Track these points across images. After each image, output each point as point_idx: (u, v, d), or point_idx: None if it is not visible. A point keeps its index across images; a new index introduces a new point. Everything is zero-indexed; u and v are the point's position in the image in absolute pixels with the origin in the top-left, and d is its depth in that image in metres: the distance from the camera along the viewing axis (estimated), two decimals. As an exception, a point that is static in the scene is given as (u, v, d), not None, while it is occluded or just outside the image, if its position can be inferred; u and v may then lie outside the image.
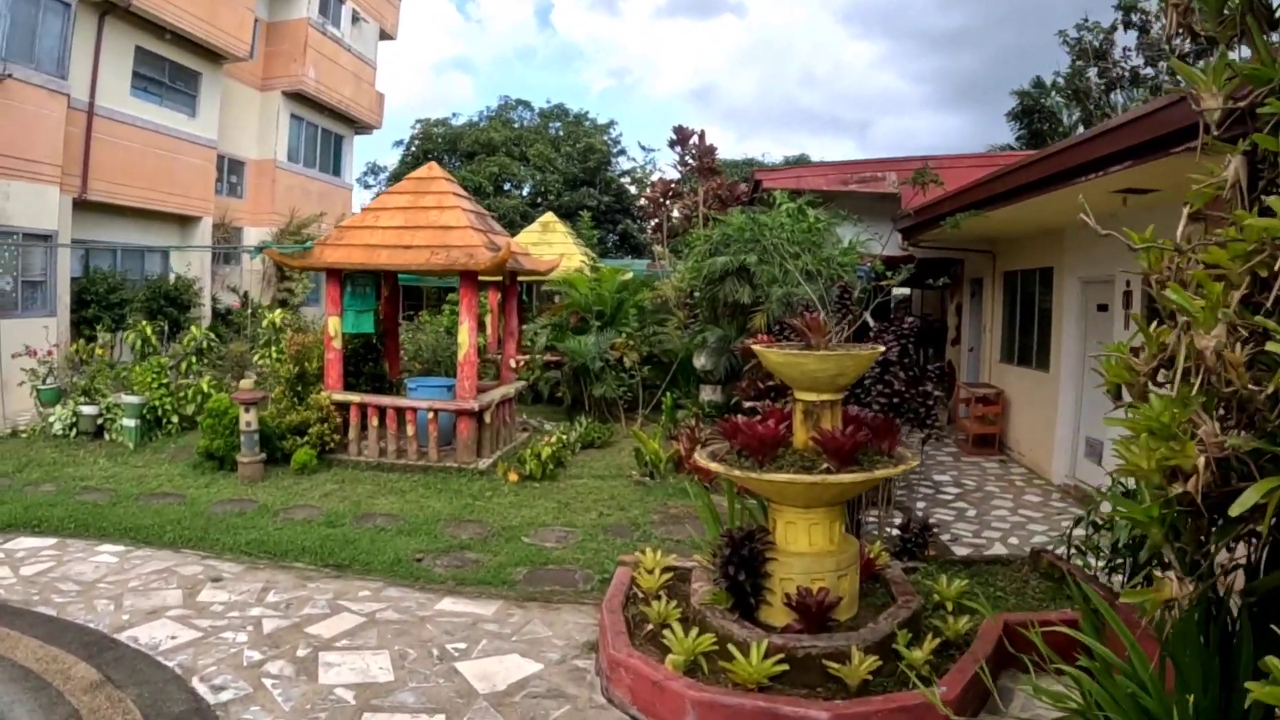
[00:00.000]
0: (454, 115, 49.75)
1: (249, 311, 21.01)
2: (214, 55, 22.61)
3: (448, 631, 6.71)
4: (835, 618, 5.78)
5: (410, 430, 12.08)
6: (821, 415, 5.90)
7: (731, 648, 5.43)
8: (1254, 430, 3.14)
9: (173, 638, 6.50)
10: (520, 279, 15.72)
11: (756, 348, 6.16)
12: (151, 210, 21.09)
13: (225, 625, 6.74)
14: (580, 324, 17.12)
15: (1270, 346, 2.86)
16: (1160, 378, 3.50)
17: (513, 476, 11.52)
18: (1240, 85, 3.39)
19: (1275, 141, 3.14)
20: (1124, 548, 6.18)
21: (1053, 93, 34.38)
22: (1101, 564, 6.63)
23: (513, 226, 27.31)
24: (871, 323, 11.65)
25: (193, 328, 15.62)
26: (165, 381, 13.70)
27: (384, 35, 32.94)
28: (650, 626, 6.08)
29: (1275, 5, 3.50)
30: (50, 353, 14.13)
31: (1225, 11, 3.51)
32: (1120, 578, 6.44)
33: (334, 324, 12.40)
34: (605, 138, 46.63)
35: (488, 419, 12.35)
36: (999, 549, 9.30)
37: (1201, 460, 3.00)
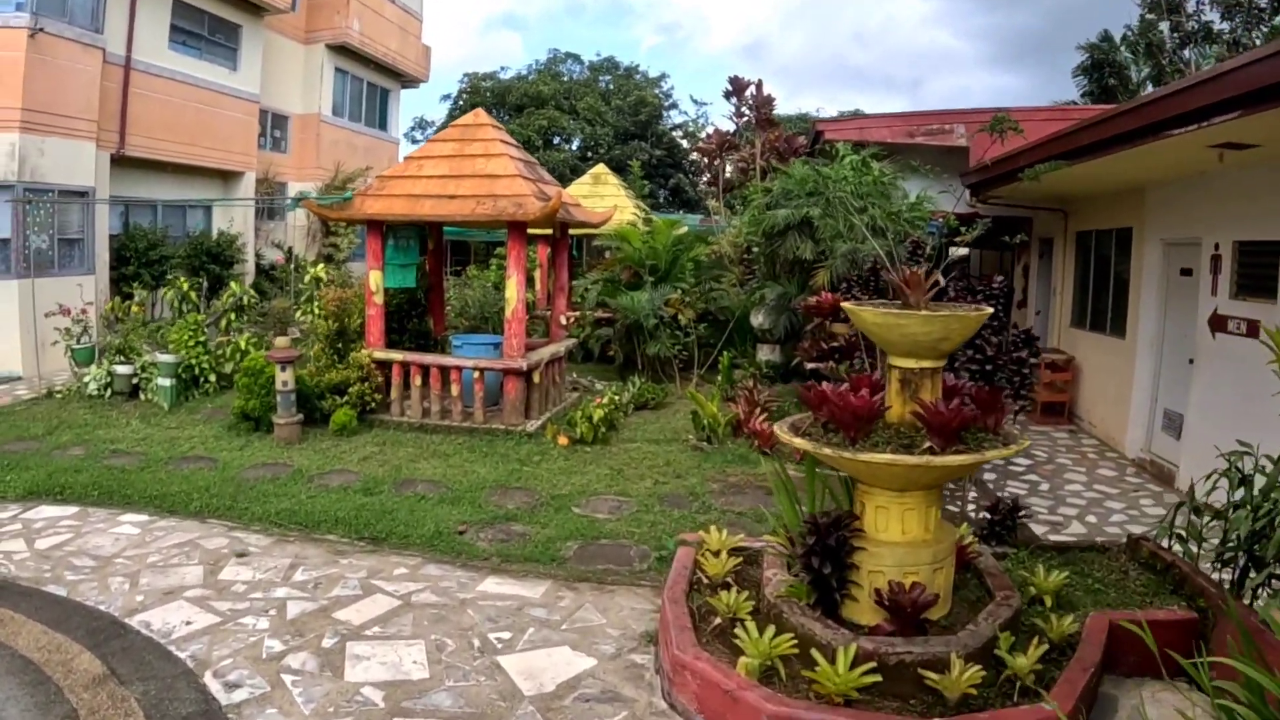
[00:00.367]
0: (502, 69, 48.92)
1: (292, 267, 20.46)
2: (254, 7, 21.88)
3: (491, 618, 6.00)
4: (929, 617, 4.99)
5: (455, 390, 11.40)
6: (921, 385, 5.08)
7: (814, 653, 4.66)
8: None
9: (188, 623, 5.86)
10: (571, 232, 14.94)
11: (848, 306, 5.32)
12: (193, 166, 20.53)
13: (246, 609, 6.10)
14: (633, 279, 16.31)
15: None
16: None
17: (562, 440, 10.81)
18: None
19: None
20: (1240, 540, 5.37)
21: (1122, 47, 32.72)
22: (1200, 552, 5.90)
23: (562, 180, 26.35)
24: (941, 280, 10.78)
25: (232, 283, 15.04)
26: (202, 339, 13.14)
27: (429, -14, 32.14)
28: (718, 620, 5.31)
29: None
30: (84, 311, 13.62)
31: None
32: (1230, 574, 5.70)
33: (375, 278, 11.71)
34: (657, 91, 45.48)
35: (536, 379, 11.64)
36: (1077, 528, 8.47)
37: None
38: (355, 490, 8.74)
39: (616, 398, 12.29)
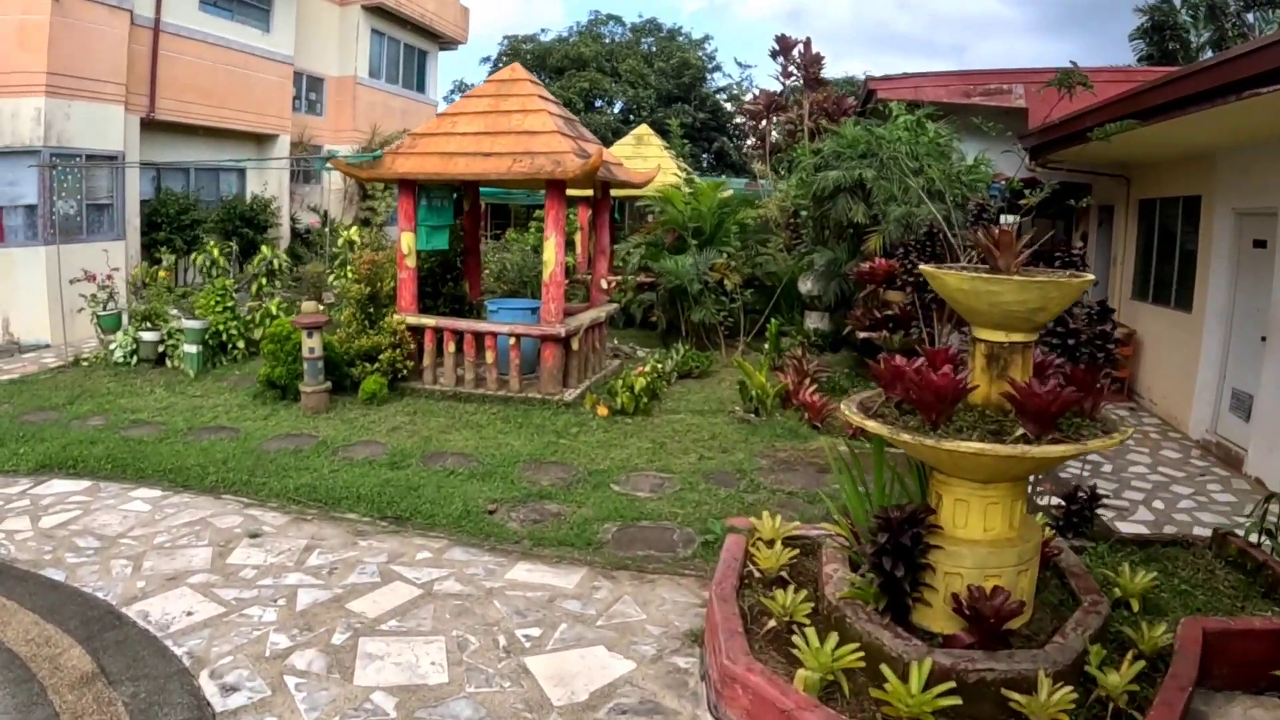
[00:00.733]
0: (543, 31, 48.00)
1: (327, 231, 19.99)
2: (288, -33, 21.37)
3: (519, 611, 5.42)
4: (1010, 627, 4.34)
5: (489, 357, 10.83)
6: (1010, 362, 4.39)
7: (883, 667, 4.03)
8: None
9: (189, 614, 5.34)
10: (612, 193, 14.28)
11: (929, 270, 4.62)
12: (225, 129, 20.03)
13: (253, 598, 5.57)
14: (677, 243, 15.64)
15: None
16: None
17: (602, 410, 10.21)
18: None
19: None
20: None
21: (1182, 10, 31.25)
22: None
23: (604, 143, 25.49)
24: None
25: (264, 247, 14.56)
26: (230, 305, 12.68)
27: (468, -52, 31.35)
28: (772, 623, 4.68)
29: None
30: (109, 277, 13.19)
31: None
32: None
33: (407, 241, 11.15)
34: (700, 54, 44.39)
35: (575, 346, 11.03)
36: (1144, 514, 7.73)
37: None
38: (381, 464, 8.21)
39: (659, 366, 11.66)
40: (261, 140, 21.56)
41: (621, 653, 4.95)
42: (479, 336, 10.90)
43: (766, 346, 13.51)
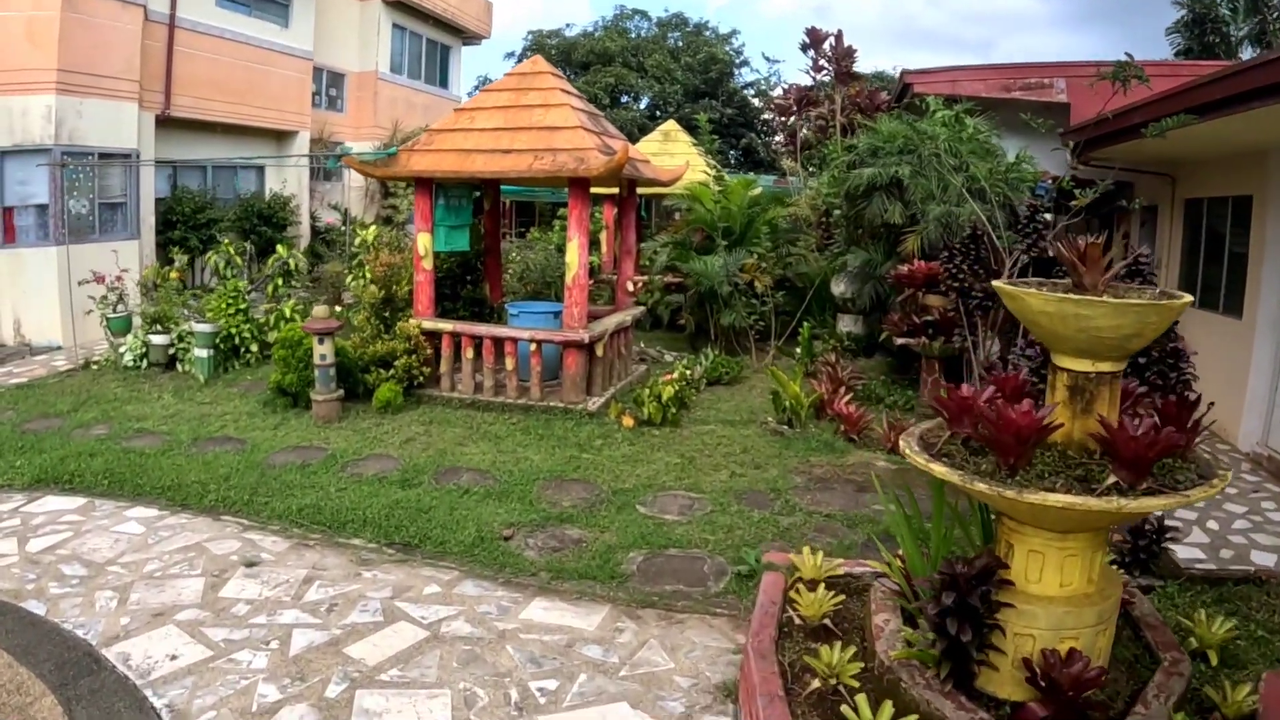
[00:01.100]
0: (567, 26, 47.50)
1: (347, 230, 19.56)
2: (306, -39, 20.96)
3: (534, 658, 4.89)
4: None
5: (509, 364, 10.33)
6: (1097, 395, 3.82)
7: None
8: None
9: (173, 657, 4.86)
10: (639, 191, 13.74)
11: (1003, 287, 4.04)
12: (243, 126, 19.66)
13: (244, 639, 5.07)
14: (705, 243, 15.09)
15: None
16: None
17: (627, 421, 9.69)
18: None
19: None
20: None
21: (1222, 3, 30.35)
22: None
23: (630, 140, 24.90)
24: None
25: (279, 247, 14.09)
26: (243, 307, 12.24)
27: (492, -59, 30.90)
28: (817, 684, 4.13)
29: None
30: (119, 278, 12.78)
31: None
32: None
33: (424, 241, 10.66)
34: (727, 48, 43.70)
35: (599, 351, 10.51)
36: (1199, 536, 7.07)
37: None
38: (391, 481, 7.71)
39: (688, 372, 11.11)
40: (281, 137, 21.19)
41: (647, 710, 4.41)
42: (498, 342, 10.41)
43: (799, 351, 12.97)
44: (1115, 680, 4.09)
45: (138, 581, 5.81)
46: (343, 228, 20.54)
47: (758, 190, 15.94)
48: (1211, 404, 4.59)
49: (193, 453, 8.55)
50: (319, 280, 16.98)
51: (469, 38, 30.26)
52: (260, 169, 20.82)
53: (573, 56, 41.66)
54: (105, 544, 6.46)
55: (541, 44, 43.33)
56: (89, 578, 5.89)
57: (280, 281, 13.65)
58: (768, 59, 61.61)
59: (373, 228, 15.81)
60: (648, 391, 9.92)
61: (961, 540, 4.65)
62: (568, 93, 10.85)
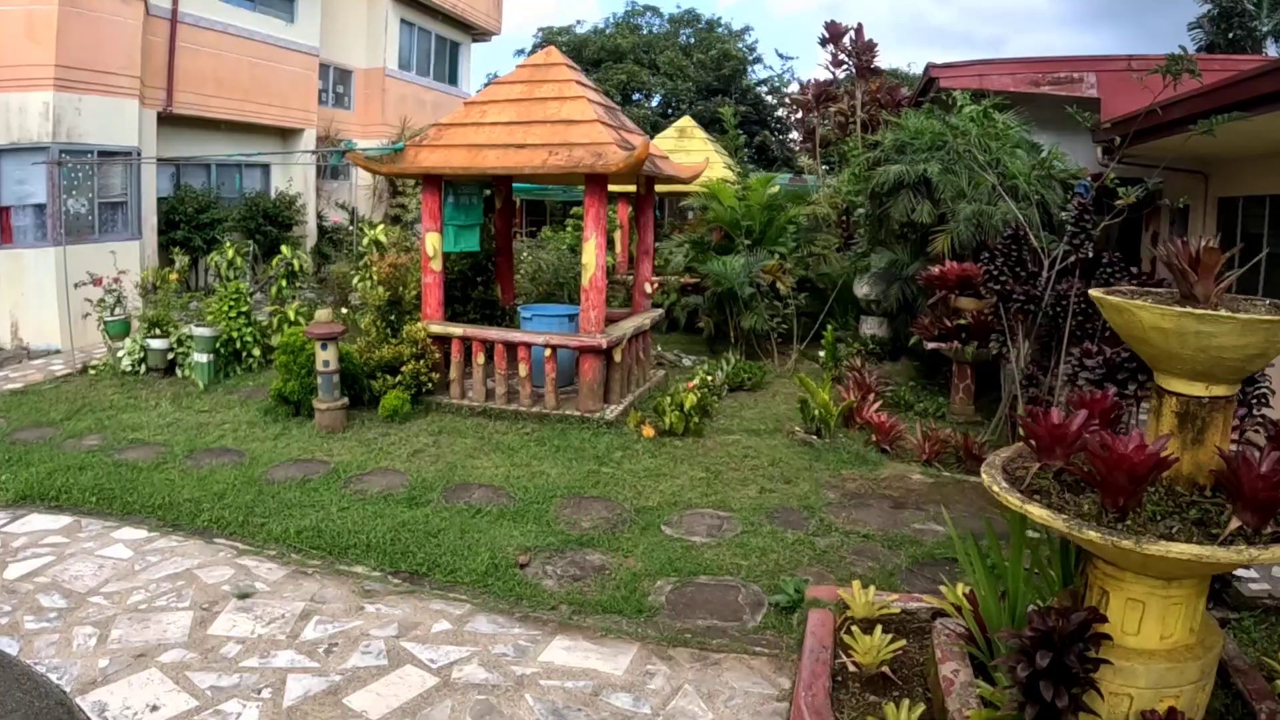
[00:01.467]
0: (578, 23, 47.03)
1: (354, 229, 19.07)
2: (311, -45, 20.48)
3: (556, 710, 4.34)
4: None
5: (523, 370, 9.81)
6: (1210, 422, 3.30)
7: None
8: None
9: (154, 708, 4.34)
10: (657, 188, 13.22)
11: (1107, 299, 3.47)
12: (248, 123, 19.18)
13: (233, 686, 4.54)
14: (724, 242, 14.56)
15: None
16: None
17: (648, 431, 9.16)
18: None
19: None
20: None
21: (1248, -5, 29.76)
22: None
23: (642, 136, 24.29)
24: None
25: (283, 247, 13.59)
26: (244, 310, 11.75)
27: (501, -65, 30.37)
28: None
29: None
30: (117, 280, 12.31)
31: None
32: None
33: (432, 242, 10.15)
34: (740, 45, 43.12)
35: (617, 357, 9.98)
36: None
37: None
38: (398, 499, 7.19)
39: (709, 378, 10.58)
40: (286, 135, 20.74)
41: (687, 777, 3.89)
42: (511, 347, 9.90)
43: (823, 356, 12.46)
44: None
45: (120, 615, 5.30)
46: (350, 227, 20.07)
47: (776, 188, 15.42)
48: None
49: (187, 466, 8.05)
50: (325, 281, 16.53)
51: (478, 34, 29.74)
52: (266, 167, 20.35)
53: (584, 53, 41.12)
54: (89, 570, 5.96)
55: (552, 41, 42.76)
56: (68, 610, 5.38)
57: (284, 283, 13.15)
58: (781, 56, 61.03)
59: (380, 227, 15.28)
60: (669, 400, 9.40)
61: (1039, 582, 4.11)
62: (583, 85, 10.33)
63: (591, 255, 9.42)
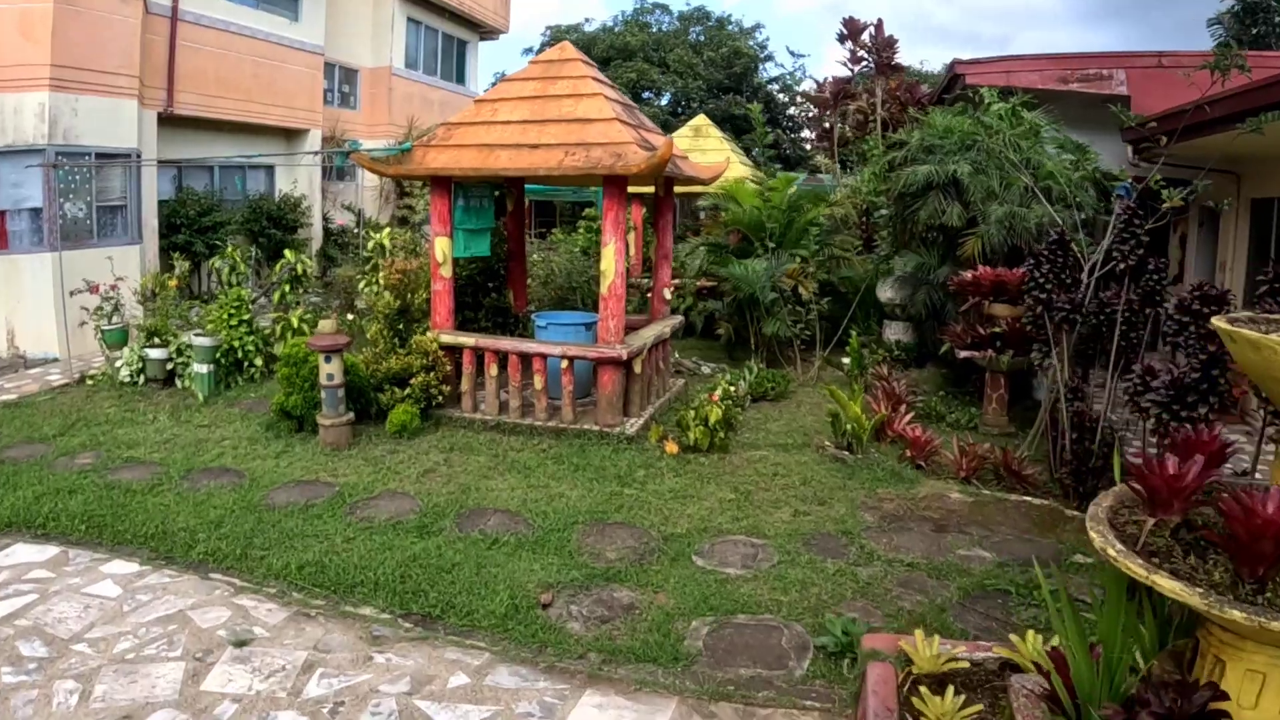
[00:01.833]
0: (586, 21, 46.54)
1: (360, 232, 18.62)
2: (315, -47, 20.00)
3: (592, 787, 3.89)
4: None
5: (538, 382, 9.32)
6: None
7: None
8: None
9: (135, 782, 3.88)
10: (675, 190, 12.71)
11: (1239, 332, 3.00)
12: (252, 124, 18.70)
13: (226, 755, 4.09)
14: (741, 245, 14.06)
15: None
16: None
17: (670, 447, 8.67)
18: None
19: None
20: None
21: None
22: None
23: (654, 135, 23.73)
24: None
25: (286, 251, 13.12)
26: (245, 317, 11.27)
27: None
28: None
29: None
30: (114, 287, 11.85)
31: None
32: None
33: (442, 247, 9.66)
34: (751, 43, 42.61)
35: (637, 368, 9.48)
36: None
37: None
38: (408, 527, 6.69)
39: (731, 389, 10.07)
40: (291, 135, 20.27)
41: None
42: (525, 358, 9.41)
43: (847, 363, 11.98)
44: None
45: (106, 667, 4.81)
46: (356, 230, 19.60)
47: (793, 189, 14.92)
48: None
49: (184, 489, 7.56)
50: (331, 285, 16.06)
51: (486, 32, 29.26)
52: (270, 169, 19.89)
53: (592, 52, 40.59)
54: (74, 612, 5.48)
55: (560, 39, 42.31)
56: (49, 660, 4.90)
57: (288, 288, 12.67)
58: (793, 53, 60.40)
59: (387, 230, 14.81)
60: (692, 414, 8.90)
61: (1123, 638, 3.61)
62: (600, 82, 9.84)
63: (611, 261, 8.92)
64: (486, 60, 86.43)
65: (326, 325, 8.81)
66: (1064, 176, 10.41)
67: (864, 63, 19.10)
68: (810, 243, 13.55)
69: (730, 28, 43.34)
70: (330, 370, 8.65)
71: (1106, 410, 8.07)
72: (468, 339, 9.62)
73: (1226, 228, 13.05)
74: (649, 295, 13.23)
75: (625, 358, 9.02)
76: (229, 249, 12.85)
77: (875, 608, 5.66)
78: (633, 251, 15.95)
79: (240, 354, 11.14)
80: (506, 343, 9.56)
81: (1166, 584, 2.74)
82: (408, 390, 9.34)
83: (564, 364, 9.16)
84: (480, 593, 5.61)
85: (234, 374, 11.22)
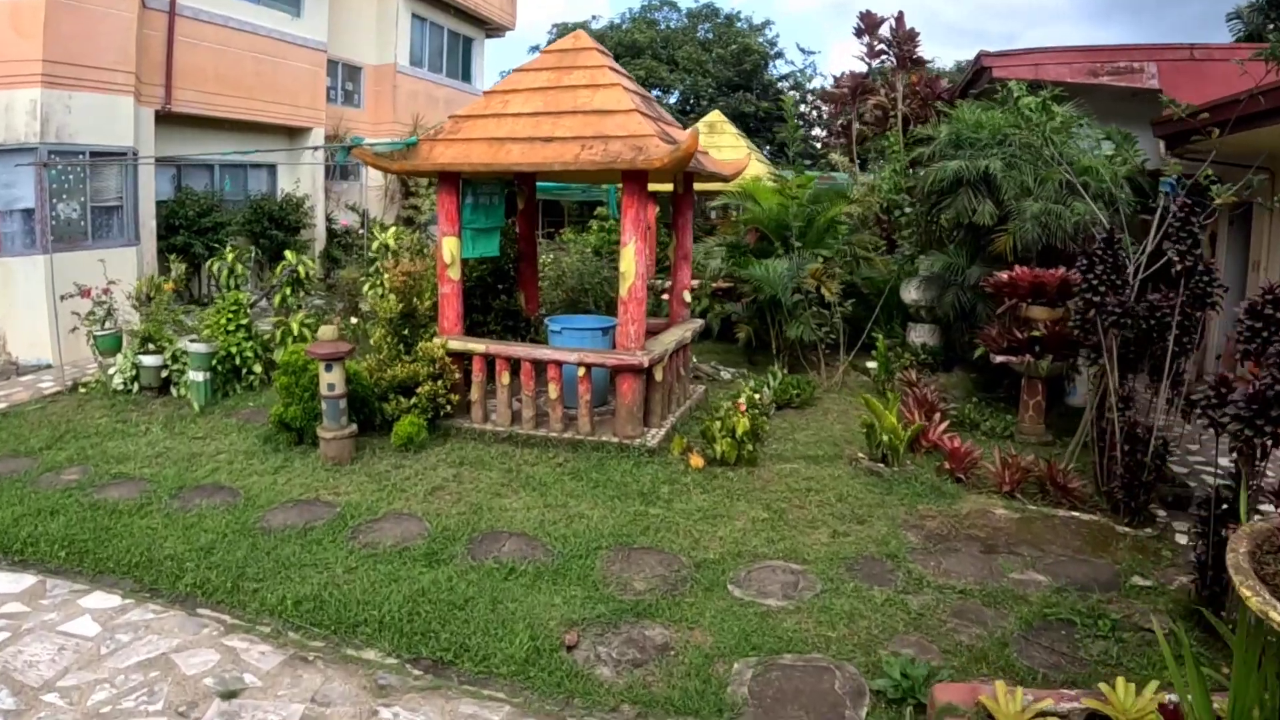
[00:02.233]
0: (594, 19, 46.02)
1: (364, 232, 18.08)
2: (318, -53, 19.49)
3: None
4: None
5: (553, 391, 8.77)
6: None
7: None
8: None
9: None
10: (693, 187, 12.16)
11: None
12: (253, 122, 18.17)
13: (206, 838, 3.54)
14: (760, 245, 13.49)
15: None
16: None
17: (695, 461, 8.12)
18: None
19: None
20: None
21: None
22: None
23: (663, 134, 23.17)
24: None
25: (287, 252, 12.56)
26: (244, 322, 10.73)
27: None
28: None
29: None
30: (106, 291, 11.32)
31: None
32: None
33: (450, 247, 9.11)
34: (760, 40, 42.03)
35: (658, 375, 8.92)
36: None
37: None
38: (416, 555, 6.12)
39: (756, 396, 9.49)
40: (293, 134, 19.76)
41: None
42: (540, 366, 8.87)
43: (872, 367, 11.44)
44: None
45: (77, 722, 4.28)
46: (360, 230, 19.07)
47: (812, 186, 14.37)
48: None
49: (174, 509, 7.01)
50: (334, 287, 15.53)
51: (492, 29, 28.73)
52: (272, 168, 19.37)
53: (599, 49, 40.21)
54: (47, 654, 4.92)
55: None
56: (16, 714, 4.35)
57: (288, 291, 12.11)
58: (803, 50, 59.87)
59: (392, 230, 14.27)
60: (718, 425, 8.33)
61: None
62: (617, 71, 9.28)
63: (630, 262, 8.36)
64: (492, 59, 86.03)
65: (327, 332, 8.25)
66: (1109, 171, 9.87)
67: (881, 57, 18.56)
68: (835, 242, 12.98)
69: (739, 24, 42.77)
70: (331, 380, 8.10)
71: (1159, 420, 7.52)
72: (478, 345, 9.06)
73: (1260, 226, 12.52)
74: (663, 297, 12.68)
75: (647, 365, 8.45)
76: (228, 250, 12.31)
77: (930, 642, 5.12)
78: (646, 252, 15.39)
79: (238, 360, 10.61)
80: (520, 349, 9.00)
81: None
82: (414, 400, 8.81)
83: (581, 372, 8.61)
84: (497, 633, 5.04)
85: (232, 381, 10.70)
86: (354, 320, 12.71)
